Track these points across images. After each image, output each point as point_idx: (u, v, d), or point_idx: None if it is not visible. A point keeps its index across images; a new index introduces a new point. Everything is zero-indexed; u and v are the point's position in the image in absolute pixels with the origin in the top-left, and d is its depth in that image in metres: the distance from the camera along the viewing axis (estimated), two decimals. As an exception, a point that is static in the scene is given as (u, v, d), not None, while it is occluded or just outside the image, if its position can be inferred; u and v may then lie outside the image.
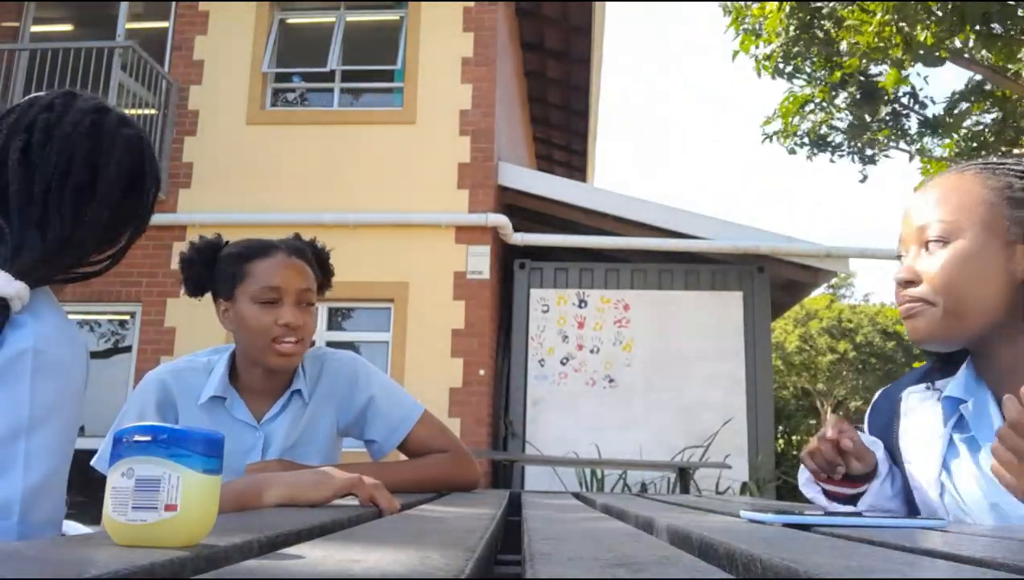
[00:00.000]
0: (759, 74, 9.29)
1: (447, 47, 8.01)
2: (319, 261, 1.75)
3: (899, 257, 1.16)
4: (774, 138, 10.56)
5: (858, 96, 9.68)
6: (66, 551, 0.56)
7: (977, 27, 7.08)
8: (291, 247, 1.68)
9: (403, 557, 0.55)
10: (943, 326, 1.07)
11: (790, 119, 10.37)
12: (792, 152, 10.66)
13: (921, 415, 1.19)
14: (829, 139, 10.56)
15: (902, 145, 10.61)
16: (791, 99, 10.18)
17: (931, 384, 1.19)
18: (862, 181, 11.21)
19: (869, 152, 10.67)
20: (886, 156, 10.72)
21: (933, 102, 12.42)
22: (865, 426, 1.30)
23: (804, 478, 1.23)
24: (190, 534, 0.60)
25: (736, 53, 9.14)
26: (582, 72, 10.53)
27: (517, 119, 10.53)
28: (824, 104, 10.13)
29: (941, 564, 0.56)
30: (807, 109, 10.27)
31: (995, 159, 1.14)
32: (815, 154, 10.66)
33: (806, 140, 10.54)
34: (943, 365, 1.18)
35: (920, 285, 1.09)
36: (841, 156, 10.73)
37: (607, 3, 9.73)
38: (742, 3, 9.01)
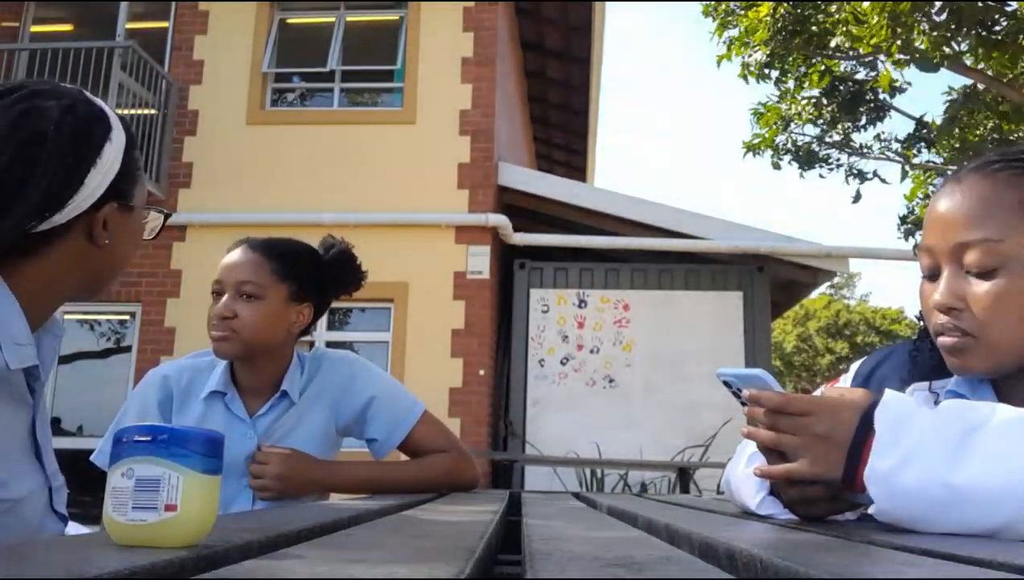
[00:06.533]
0: (746, 80, 9.16)
1: (447, 47, 8.01)
2: (330, 264, 1.75)
3: (928, 271, 1.03)
4: (756, 153, 10.15)
5: (847, 98, 9.53)
6: (66, 551, 0.56)
7: (976, 31, 7.02)
8: (254, 242, 1.71)
9: (403, 557, 0.55)
10: (992, 362, 0.99)
11: (774, 135, 10.04)
12: (776, 166, 10.31)
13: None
14: (814, 149, 10.23)
15: (892, 156, 10.40)
16: (769, 110, 9.89)
17: (931, 386, 1.15)
18: (855, 201, 10.84)
19: (859, 167, 10.43)
20: (877, 175, 10.46)
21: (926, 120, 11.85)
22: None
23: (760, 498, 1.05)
24: (190, 534, 0.60)
25: (721, 58, 9.01)
26: (582, 72, 10.53)
27: (517, 119, 10.53)
28: (802, 112, 9.82)
29: (941, 564, 0.56)
30: (791, 127, 10.01)
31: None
32: (804, 169, 10.38)
33: (789, 151, 10.19)
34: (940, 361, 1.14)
35: (963, 313, 0.98)
36: (831, 169, 10.49)
37: (607, 3, 9.75)
38: (730, 4, 8.90)
